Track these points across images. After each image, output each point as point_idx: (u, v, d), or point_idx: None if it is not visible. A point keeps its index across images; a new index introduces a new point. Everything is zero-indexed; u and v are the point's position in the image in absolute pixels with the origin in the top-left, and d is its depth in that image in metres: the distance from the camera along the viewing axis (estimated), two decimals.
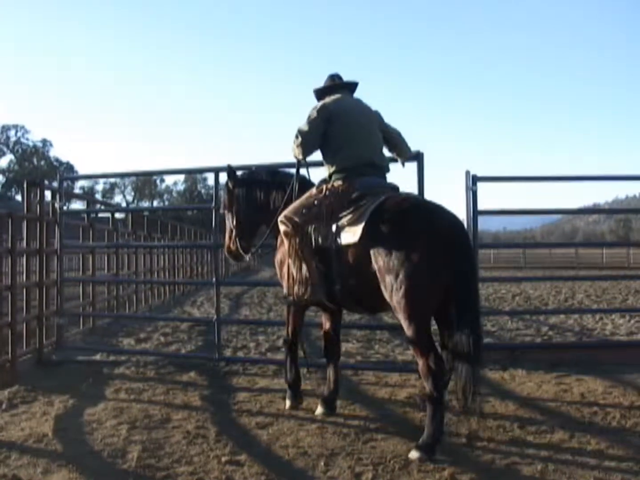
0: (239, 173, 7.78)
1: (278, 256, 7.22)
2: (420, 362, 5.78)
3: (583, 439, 5.90)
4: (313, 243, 6.55)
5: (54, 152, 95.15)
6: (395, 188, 6.77)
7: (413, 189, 8.44)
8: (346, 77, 7.16)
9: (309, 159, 7.05)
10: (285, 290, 7.04)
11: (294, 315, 7.24)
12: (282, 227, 6.69)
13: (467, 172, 9.38)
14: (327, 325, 7.30)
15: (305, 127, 6.78)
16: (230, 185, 7.61)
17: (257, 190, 7.51)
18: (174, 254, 24.31)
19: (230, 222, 7.65)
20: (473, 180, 9.36)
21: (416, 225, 5.88)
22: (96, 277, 14.50)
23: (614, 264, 54.40)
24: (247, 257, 7.79)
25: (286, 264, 6.90)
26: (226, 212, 7.70)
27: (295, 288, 6.68)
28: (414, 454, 5.58)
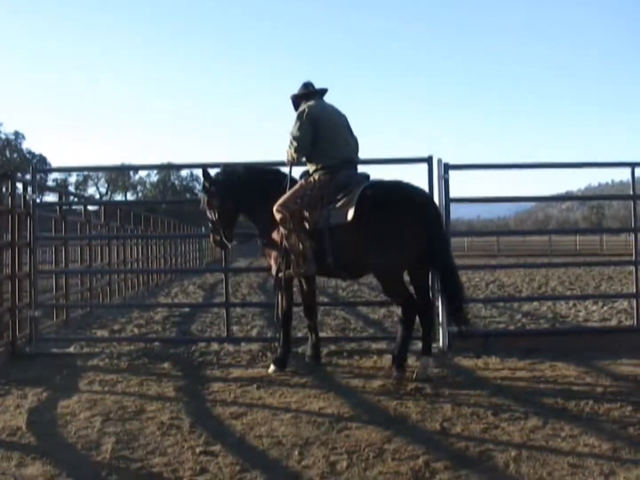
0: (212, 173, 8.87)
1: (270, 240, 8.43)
2: (399, 308, 7.85)
3: (557, 425, 5.93)
4: (307, 226, 7.86)
5: (26, 145, 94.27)
6: (367, 177, 8.20)
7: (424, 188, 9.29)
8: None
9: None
10: (274, 269, 8.42)
11: (286, 289, 8.39)
12: (278, 215, 7.91)
13: (439, 160, 9.47)
14: (307, 291, 8.78)
15: (298, 134, 8.01)
16: (207, 185, 8.74)
17: (235, 187, 8.58)
18: (148, 246, 24.23)
19: (212, 216, 8.78)
20: (445, 169, 9.46)
21: (394, 201, 7.53)
22: (69, 269, 14.43)
23: (587, 250, 54.75)
24: (230, 245, 9.13)
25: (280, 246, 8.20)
26: (207, 208, 8.79)
27: (293, 265, 8.04)
28: (394, 373, 7.63)
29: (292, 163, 8.27)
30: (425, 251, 7.59)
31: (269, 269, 8.97)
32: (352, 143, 8.36)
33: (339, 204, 7.68)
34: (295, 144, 8.03)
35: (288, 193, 8.02)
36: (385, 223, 7.42)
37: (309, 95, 8.33)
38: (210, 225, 8.98)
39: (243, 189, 8.52)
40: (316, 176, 7.99)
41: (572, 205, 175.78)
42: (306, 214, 7.91)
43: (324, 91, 8.45)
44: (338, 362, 8.92)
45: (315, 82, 8.48)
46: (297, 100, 8.42)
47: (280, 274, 8.25)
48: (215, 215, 8.72)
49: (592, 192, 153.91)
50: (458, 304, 7.78)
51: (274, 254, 8.45)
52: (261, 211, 8.36)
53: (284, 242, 8.06)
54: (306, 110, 8.07)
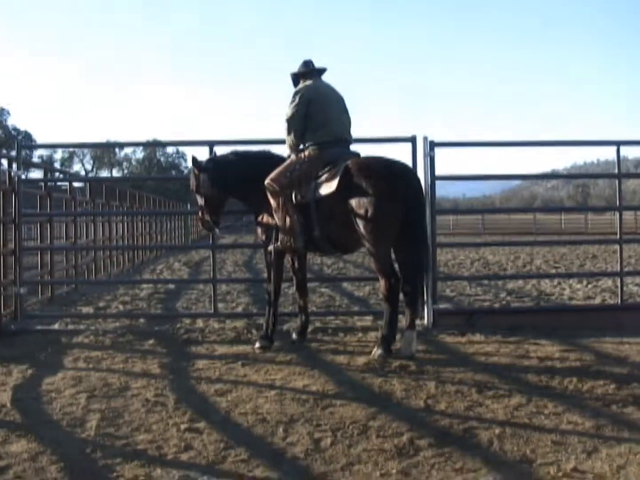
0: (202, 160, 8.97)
1: (262, 216, 8.61)
2: (382, 281, 7.85)
3: (540, 403, 5.96)
4: (294, 200, 8.02)
5: (11, 121, 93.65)
6: (358, 155, 8.35)
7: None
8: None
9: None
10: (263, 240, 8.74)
11: (276, 265, 8.60)
12: (269, 189, 8.11)
13: (425, 138, 9.49)
14: (298, 268, 8.85)
15: (291, 113, 8.24)
16: (195, 171, 8.81)
17: (225, 175, 8.68)
18: (133, 222, 24.19)
19: (200, 201, 8.93)
20: (430, 146, 9.46)
21: (377, 173, 7.69)
22: (54, 246, 14.39)
23: (572, 229, 54.93)
24: (217, 229, 9.34)
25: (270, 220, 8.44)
26: (195, 193, 8.94)
27: (281, 237, 8.21)
28: (377, 351, 7.75)
29: (293, 147, 8.36)
30: (405, 223, 7.63)
31: (260, 244, 9.21)
32: (346, 122, 8.53)
33: (324, 177, 7.92)
34: (289, 125, 8.25)
35: (279, 167, 8.18)
36: (366, 194, 7.54)
37: (307, 74, 8.51)
38: (198, 208, 9.07)
39: (234, 176, 8.64)
40: (307, 152, 8.19)
41: (558, 184, 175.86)
42: (295, 187, 8.04)
43: (322, 70, 8.64)
44: (323, 339, 8.96)
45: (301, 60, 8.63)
46: (296, 78, 8.62)
47: (270, 248, 8.44)
48: (202, 201, 8.86)
49: (578, 171, 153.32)
50: (419, 279, 7.90)
51: (267, 231, 8.62)
52: (255, 194, 8.49)
53: (274, 215, 8.25)
54: (300, 90, 8.31)
